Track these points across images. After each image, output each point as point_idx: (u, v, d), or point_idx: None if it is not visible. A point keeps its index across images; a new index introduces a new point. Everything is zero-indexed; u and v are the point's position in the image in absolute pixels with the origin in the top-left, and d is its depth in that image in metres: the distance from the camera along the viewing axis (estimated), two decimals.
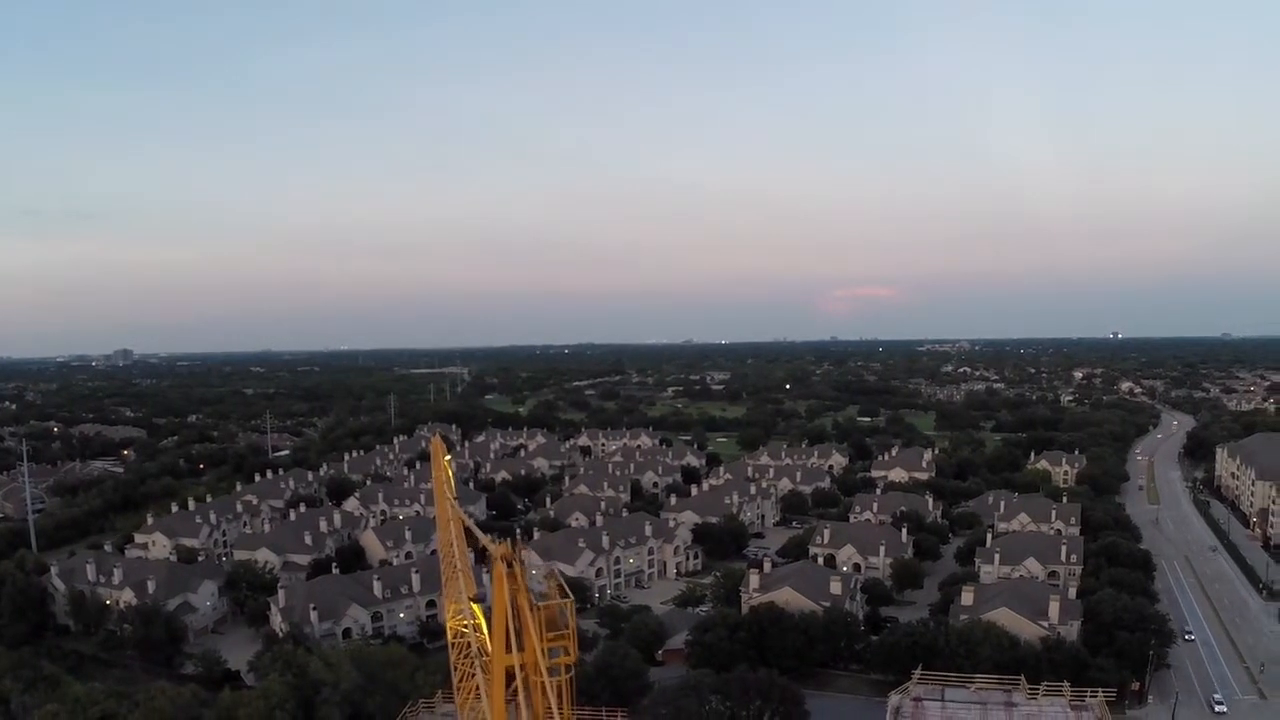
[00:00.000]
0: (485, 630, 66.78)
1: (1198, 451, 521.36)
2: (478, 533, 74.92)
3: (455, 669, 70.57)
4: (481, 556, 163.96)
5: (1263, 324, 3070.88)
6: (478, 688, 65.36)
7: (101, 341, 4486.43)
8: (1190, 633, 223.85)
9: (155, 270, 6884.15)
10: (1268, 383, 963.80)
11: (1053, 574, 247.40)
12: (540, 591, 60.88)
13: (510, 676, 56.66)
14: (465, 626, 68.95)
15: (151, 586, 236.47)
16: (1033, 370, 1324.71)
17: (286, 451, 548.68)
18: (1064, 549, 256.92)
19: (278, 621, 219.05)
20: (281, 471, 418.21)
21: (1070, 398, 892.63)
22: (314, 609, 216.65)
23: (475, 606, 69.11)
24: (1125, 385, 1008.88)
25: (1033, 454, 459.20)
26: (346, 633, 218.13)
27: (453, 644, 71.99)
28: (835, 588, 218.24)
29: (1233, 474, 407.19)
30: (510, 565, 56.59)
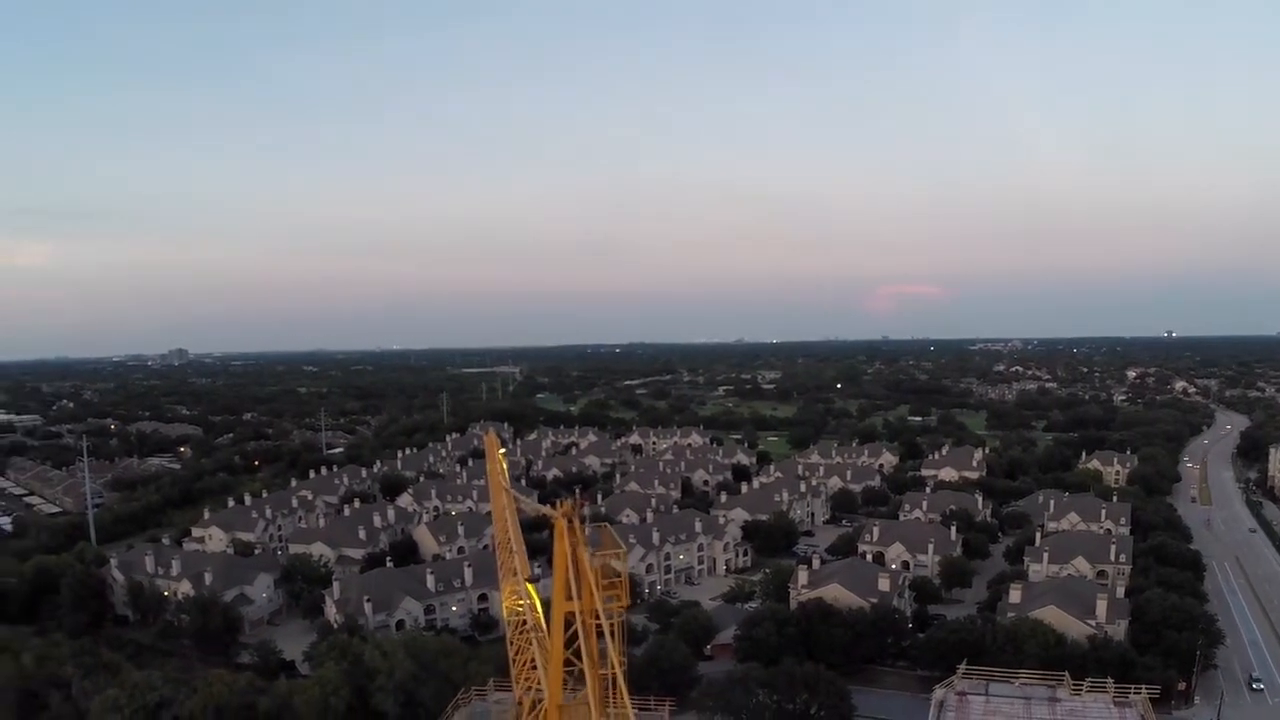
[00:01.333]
0: (539, 609, 70.28)
1: (1251, 452, 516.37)
2: (532, 507, 78.41)
3: (511, 644, 73.79)
4: (535, 552, 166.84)
5: None
6: (533, 660, 68.69)
7: (157, 341, 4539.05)
8: (1259, 680, 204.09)
9: (211, 270, 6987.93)
10: None
11: (1101, 573, 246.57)
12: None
13: (569, 623, 59.66)
14: (521, 605, 71.97)
15: (208, 578, 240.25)
16: (1085, 369, 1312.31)
17: (340, 449, 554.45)
18: (1113, 548, 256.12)
19: (332, 613, 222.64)
20: (335, 468, 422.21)
21: (1123, 397, 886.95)
22: (368, 600, 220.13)
23: (530, 587, 72.22)
24: (1179, 385, 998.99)
25: (1084, 454, 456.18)
26: (400, 624, 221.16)
27: (509, 622, 74.97)
28: (883, 584, 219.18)
29: None
30: (570, 522, 59.97)
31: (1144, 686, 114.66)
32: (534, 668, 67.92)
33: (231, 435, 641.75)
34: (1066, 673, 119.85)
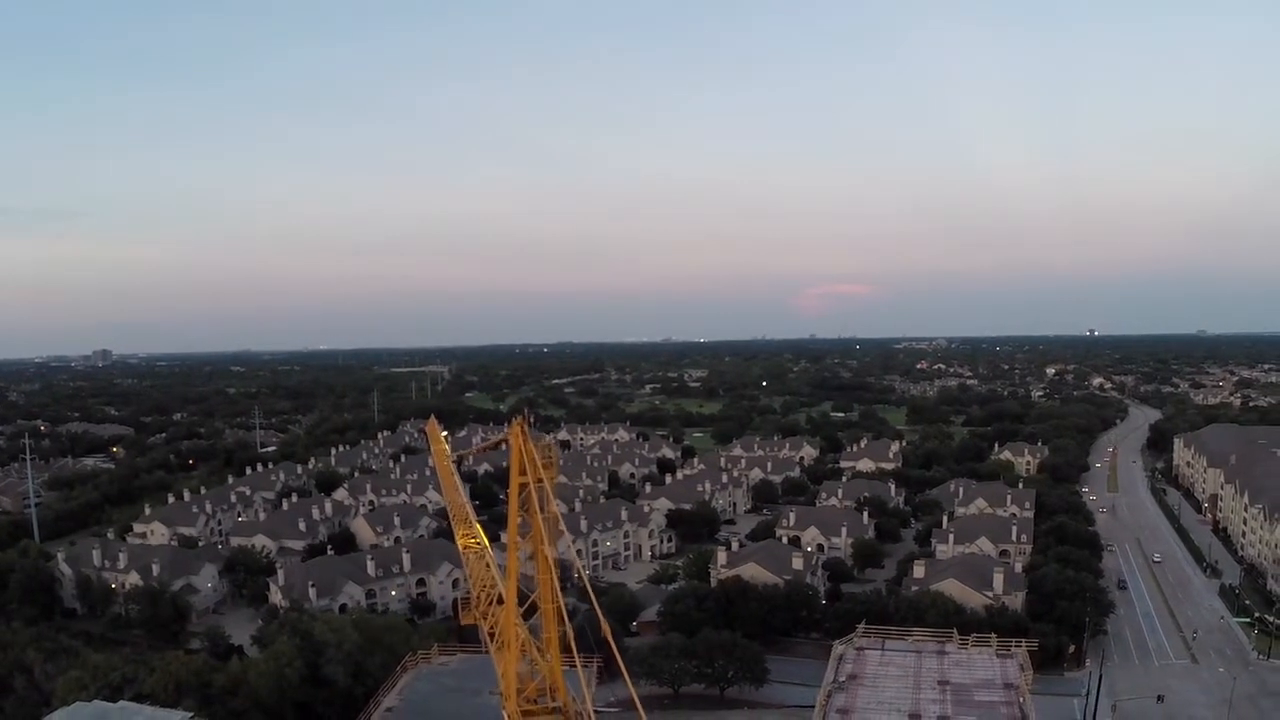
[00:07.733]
0: (485, 540, 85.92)
1: (1160, 443, 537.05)
2: (493, 440, 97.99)
3: (467, 564, 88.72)
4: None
5: (1238, 321, 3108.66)
6: (488, 564, 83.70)
7: (79, 342, 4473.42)
8: None
9: (132, 270, 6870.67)
10: (1236, 377, 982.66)
11: (1004, 552, 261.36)
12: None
13: (522, 488, 77.97)
14: (473, 541, 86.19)
15: (156, 569, 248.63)
16: (1006, 367, 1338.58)
17: (273, 448, 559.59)
18: (1014, 529, 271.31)
19: (277, 598, 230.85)
20: (271, 465, 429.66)
21: (1041, 393, 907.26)
22: (312, 585, 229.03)
23: (478, 527, 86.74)
24: (1096, 381, 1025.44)
25: (997, 445, 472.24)
26: (343, 608, 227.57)
27: (465, 556, 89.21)
28: (797, 563, 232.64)
29: (1188, 463, 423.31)
30: (522, 426, 78.39)
31: (1024, 640, 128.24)
32: (488, 568, 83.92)
33: (164, 435, 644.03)
34: (955, 630, 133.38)
